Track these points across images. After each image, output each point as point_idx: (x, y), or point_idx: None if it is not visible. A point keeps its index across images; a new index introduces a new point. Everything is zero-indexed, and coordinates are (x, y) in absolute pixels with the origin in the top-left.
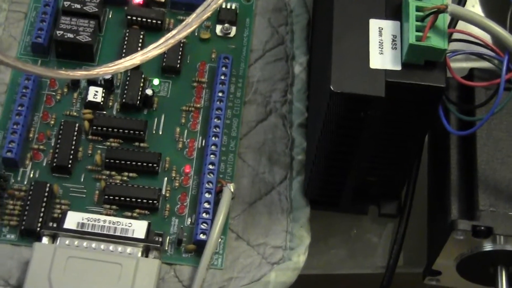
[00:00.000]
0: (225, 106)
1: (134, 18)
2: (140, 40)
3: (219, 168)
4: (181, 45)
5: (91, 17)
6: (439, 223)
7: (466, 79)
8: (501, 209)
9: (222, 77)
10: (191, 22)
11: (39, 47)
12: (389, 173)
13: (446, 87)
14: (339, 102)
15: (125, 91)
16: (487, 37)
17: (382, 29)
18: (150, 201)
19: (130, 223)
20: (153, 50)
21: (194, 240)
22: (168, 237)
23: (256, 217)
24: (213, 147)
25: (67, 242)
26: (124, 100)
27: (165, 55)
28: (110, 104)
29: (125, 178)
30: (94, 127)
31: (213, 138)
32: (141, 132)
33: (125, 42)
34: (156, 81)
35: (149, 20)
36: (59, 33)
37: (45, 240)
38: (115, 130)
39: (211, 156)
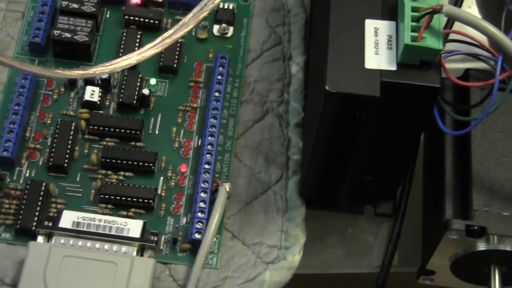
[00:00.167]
0: (222, 106)
1: (131, 18)
2: (138, 40)
3: (215, 168)
4: (178, 45)
5: (89, 17)
6: (433, 222)
7: (462, 79)
8: (495, 209)
9: (219, 77)
10: (188, 22)
11: (37, 46)
12: (385, 172)
13: (441, 87)
14: (334, 102)
15: (122, 91)
16: (483, 38)
17: (377, 29)
18: (146, 201)
19: (125, 222)
20: (150, 49)
21: (189, 239)
22: (163, 236)
23: (251, 216)
24: (209, 146)
25: (62, 241)
26: (121, 100)
27: (162, 55)
28: (107, 103)
29: (121, 177)
30: (91, 127)
31: (209, 137)
32: (138, 132)
33: (123, 42)
34: (153, 81)
35: (146, 20)
36: (56, 33)
37: (40, 239)
38: (112, 129)
39: (207, 155)
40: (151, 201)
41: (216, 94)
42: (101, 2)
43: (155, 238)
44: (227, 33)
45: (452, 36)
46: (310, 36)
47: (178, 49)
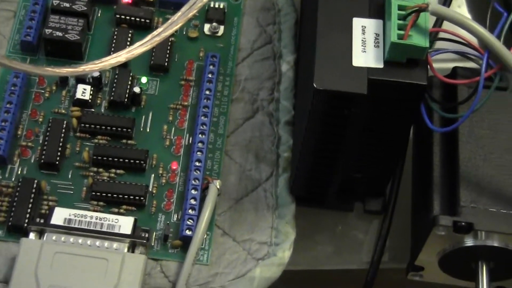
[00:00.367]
0: (212, 104)
1: (123, 17)
2: (129, 39)
3: (205, 165)
4: (169, 43)
5: (80, 16)
6: (421, 219)
7: (450, 77)
8: (482, 205)
9: (210, 75)
10: (177, 20)
11: (28, 45)
12: (374, 170)
13: (429, 85)
14: (322, 99)
15: (113, 89)
16: (471, 37)
17: (365, 27)
18: (137, 198)
19: (116, 219)
20: (139, 47)
21: (180, 236)
22: (154, 233)
23: (242, 213)
24: (200, 144)
25: (54, 237)
26: (112, 98)
27: (153, 53)
28: (98, 101)
29: (112, 174)
30: (82, 125)
31: (200, 135)
32: (129, 130)
33: (114, 41)
34: (144, 79)
35: (137, 19)
36: (48, 32)
37: (32, 235)
38: (103, 127)
39: (198, 153)
40: (142, 198)
41: (207, 92)
42: (93, 1)
43: (146, 235)
44: (217, 32)
45: (442, 34)
46: (300, 35)
47: (169, 47)
